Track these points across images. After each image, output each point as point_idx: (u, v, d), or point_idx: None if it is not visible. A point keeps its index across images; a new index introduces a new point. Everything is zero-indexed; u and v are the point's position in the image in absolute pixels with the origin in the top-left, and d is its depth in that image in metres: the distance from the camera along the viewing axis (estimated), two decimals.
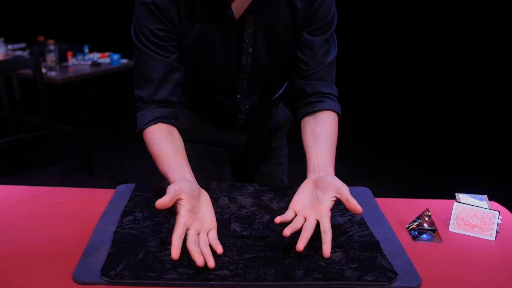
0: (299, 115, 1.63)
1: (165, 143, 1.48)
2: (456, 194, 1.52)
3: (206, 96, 1.76)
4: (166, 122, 1.53)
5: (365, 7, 5.57)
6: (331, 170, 1.44)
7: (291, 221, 1.29)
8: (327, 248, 1.24)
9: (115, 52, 4.52)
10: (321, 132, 1.53)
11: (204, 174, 1.79)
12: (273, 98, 1.82)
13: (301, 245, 1.22)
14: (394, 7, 5.60)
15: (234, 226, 1.39)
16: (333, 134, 1.55)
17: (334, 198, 1.32)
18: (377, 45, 5.73)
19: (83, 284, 1.14)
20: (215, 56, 1.57)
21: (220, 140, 1.84)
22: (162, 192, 1.56)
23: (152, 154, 1.49)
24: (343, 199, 1.30)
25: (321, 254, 1.24)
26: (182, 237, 1.21)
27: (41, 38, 4.50)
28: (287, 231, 1.25)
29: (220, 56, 1.57)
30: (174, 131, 1.53)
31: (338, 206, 1.51)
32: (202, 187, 1.37)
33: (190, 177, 1.39)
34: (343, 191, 1.31)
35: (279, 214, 1.35)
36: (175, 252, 1.17)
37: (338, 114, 1.60)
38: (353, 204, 1.27)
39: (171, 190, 1.26)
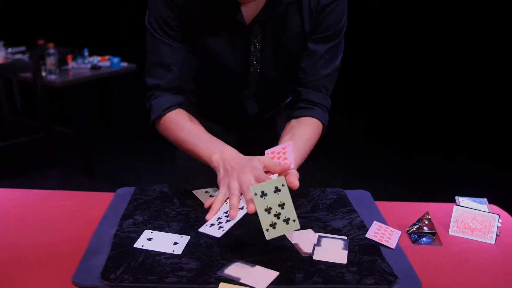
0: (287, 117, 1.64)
1: (189, 123, 1.51)
2: (456, 198, 1.52)
3: (213, 97, 1.76)
4: (184, 108, 1.55)
5: (356, 7, 5.58)
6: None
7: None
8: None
9: (115, 55, 4.52)
10: (299, 133, 1.54)
11: (208, 174, 1.78)
12: (284, 103, 1.82)
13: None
14: (385, 7, 5.61)
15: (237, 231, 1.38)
16: (311, 137, 1.56)
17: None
18: (376, 48, 5.74)
19: (83, 287, 1.14)
20: (222, 60, 1.57)
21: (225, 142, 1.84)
22: (162, 196, 1.57)
23: (174, 136, 1.52)
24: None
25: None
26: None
27: (41, 42, 4.50)
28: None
29: (227, 60, 1.57)
30: (192, 117, 1.55)
31: (338, 210, 1.51)
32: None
33: (222, 143, 1.45)
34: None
35: None
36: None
37: (323, 124, 1.61)
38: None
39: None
